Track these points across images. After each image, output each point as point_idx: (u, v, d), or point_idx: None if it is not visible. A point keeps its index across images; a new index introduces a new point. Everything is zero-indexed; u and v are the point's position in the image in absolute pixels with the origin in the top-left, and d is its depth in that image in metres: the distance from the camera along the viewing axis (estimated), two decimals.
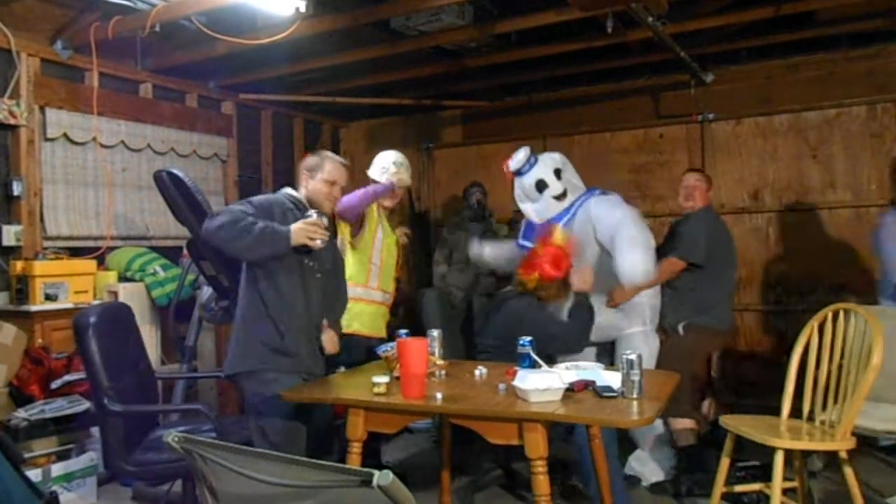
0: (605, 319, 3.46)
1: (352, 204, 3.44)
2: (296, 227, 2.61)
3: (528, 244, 3.65)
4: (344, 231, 3.56)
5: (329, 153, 2.97)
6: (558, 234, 3.27)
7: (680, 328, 3.66)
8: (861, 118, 4.84)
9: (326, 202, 2.87)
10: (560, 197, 3.58)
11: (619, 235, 3.31)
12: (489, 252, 4.01)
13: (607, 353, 3.65)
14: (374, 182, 3.66)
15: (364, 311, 3.56)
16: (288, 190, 2.93)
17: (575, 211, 3.56)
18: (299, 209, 2.81)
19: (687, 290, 3.69)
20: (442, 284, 5.06)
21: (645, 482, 3.55)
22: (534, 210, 3.66)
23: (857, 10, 4.15)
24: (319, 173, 2.86)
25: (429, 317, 4.06)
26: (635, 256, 3.23)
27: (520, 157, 3.63)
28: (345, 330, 3.50)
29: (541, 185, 3.59)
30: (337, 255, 3.14)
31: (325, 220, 2.69)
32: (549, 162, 3.62)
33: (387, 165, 3.65)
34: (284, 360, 2.73)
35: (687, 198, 3.85)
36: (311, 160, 2.92)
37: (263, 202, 2.78)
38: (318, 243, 2.64)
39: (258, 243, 2.57)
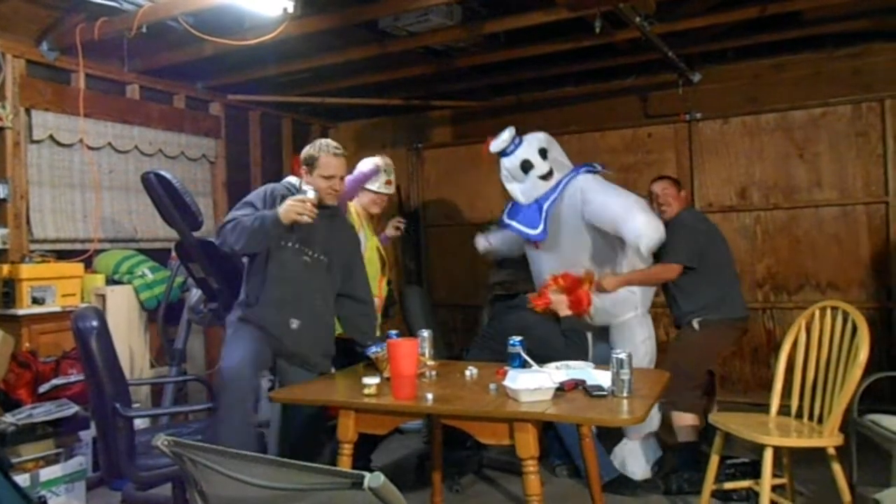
0: (596, 303, 3.51)
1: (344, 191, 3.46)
2: (283, 206, 2.68)
3: (512, 223, 3.69)
4: None
5: (323, 143, 2.97)
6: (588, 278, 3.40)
7: (695, 323, 3.59)
8: (847, 117, 4.88)
9: (328, 197, 2.90)
10: (546, 176, 3.61)
11: (615, 208, 3.37)
12: (496, 242, 4.07)
13: (601, 338, 3.71)
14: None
15: None
16: (289, 178, 3.03)
17: (562, 189, 3.57)
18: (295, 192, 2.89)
19: (693, 291, 3.61)
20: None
21: (630, 473, 3.56)
22: (520, 191, 3.67)
23: (843, 10, 4.19)
24: (316, 168, 2.89)
25: (412, 315, 4.08)
26: (639, 219, 3.28)
27: (504, 137, 3.63)
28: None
29: (526, 166, 3.61)
30: (346, 250, 3.10)
31: (313, 196, 2.73)
32: (534, 142, 3.63)
33: (379, 174, 3.56)
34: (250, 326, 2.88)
35: (662, 205, 3.70)
36: (305, 154, 2.94)
37: (261, 194, 2.91)
38: (305, 218, 2.67)
39: (255, 234, 2.69)
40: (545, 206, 3.57)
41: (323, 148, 2.93)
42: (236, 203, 2.98)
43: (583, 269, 3.48)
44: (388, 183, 3.59)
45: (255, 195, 2.92)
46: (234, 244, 2.75)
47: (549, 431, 3.60)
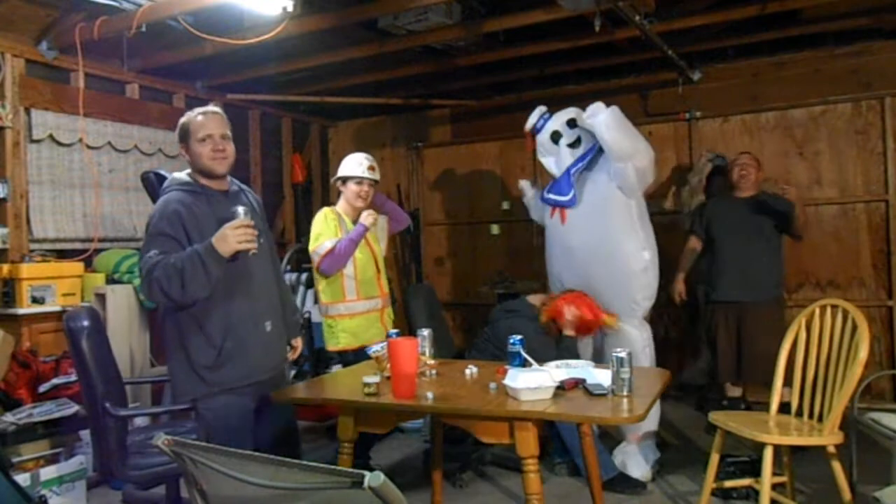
0: None
1: (339, 263, 3.42)
2: (222, 239, 2.24)
3: (549, 196, 3.84)
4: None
5: (190, 112, 2.53)
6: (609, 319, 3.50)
7: (781, 295, 4.08)
8: (846, 115, 4.88)
9: (215, 163, 2.45)
10: (574, 144, 3.79)
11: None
12: (533, 196, 4.17)
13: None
14: (343, 179, 3.59)
15: (348, 327, 3.51)
16: (176, 176, 2.53)
17: (590, 158, 3.72)
18: (199, 192, 2.46)
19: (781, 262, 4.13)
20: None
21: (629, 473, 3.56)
22: (554, 163, 3.87)
23: (842, 8, 4.19)
24: (190, 137, 2.45)
25: (415, 314, 4.08)
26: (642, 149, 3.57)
27: (534, 114, 3.91)
28: (333, 347, 3.52)
29: (555, 136, 3.84)
30: (266, 224, 2.73)
31: (248, 217, 2.30)
32: (562, 115, 3.87)
33: (360, 160, 3.58)
34: (230, 371, 2.41)
35: (742, 171, 4.18)
36: (177, 131, 2.52)
37: (171, 216, 2.36)
38: (250, 245, 2.28)
39: (196, 279, 2.23)
40: (572, 172, 3.72)
41: (188, 115, 2.50)
42: None
43: (606, 314, 3.51)
44: (371, 168, 3.57)
45: (166, 221, 2.35)
46: (173, 295, 2.25)
47: (549, 430, 3.60)
